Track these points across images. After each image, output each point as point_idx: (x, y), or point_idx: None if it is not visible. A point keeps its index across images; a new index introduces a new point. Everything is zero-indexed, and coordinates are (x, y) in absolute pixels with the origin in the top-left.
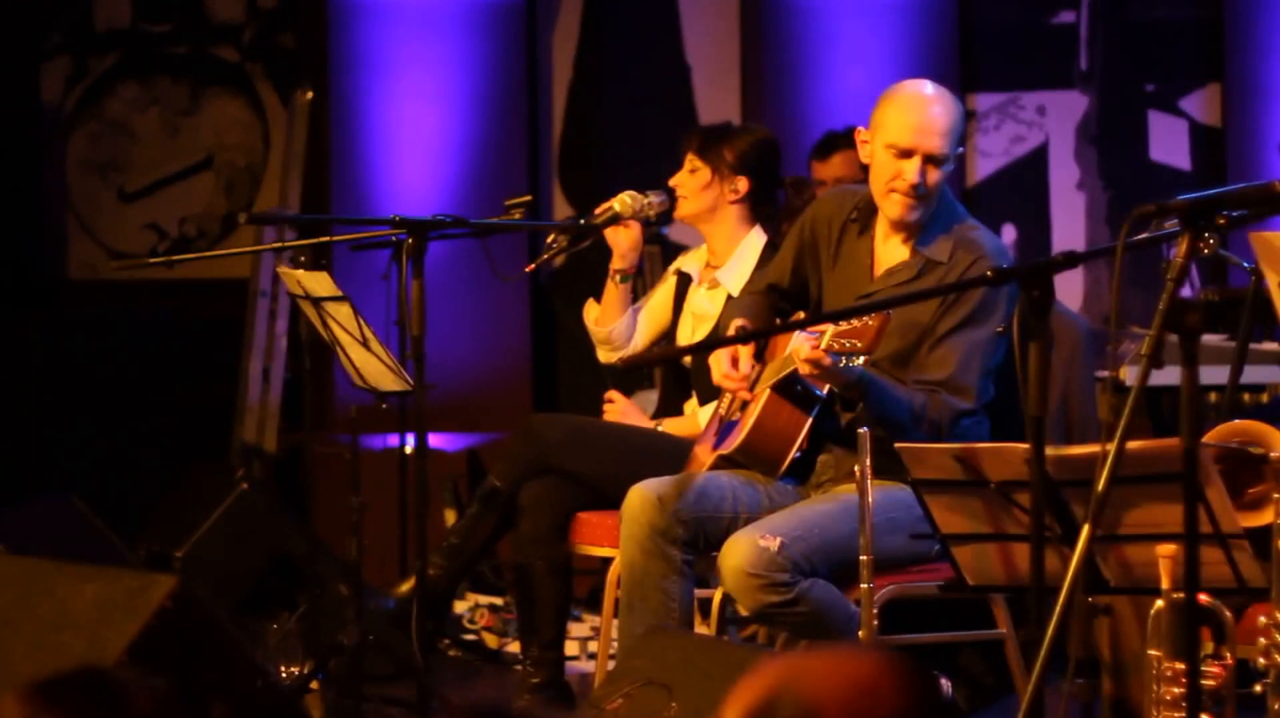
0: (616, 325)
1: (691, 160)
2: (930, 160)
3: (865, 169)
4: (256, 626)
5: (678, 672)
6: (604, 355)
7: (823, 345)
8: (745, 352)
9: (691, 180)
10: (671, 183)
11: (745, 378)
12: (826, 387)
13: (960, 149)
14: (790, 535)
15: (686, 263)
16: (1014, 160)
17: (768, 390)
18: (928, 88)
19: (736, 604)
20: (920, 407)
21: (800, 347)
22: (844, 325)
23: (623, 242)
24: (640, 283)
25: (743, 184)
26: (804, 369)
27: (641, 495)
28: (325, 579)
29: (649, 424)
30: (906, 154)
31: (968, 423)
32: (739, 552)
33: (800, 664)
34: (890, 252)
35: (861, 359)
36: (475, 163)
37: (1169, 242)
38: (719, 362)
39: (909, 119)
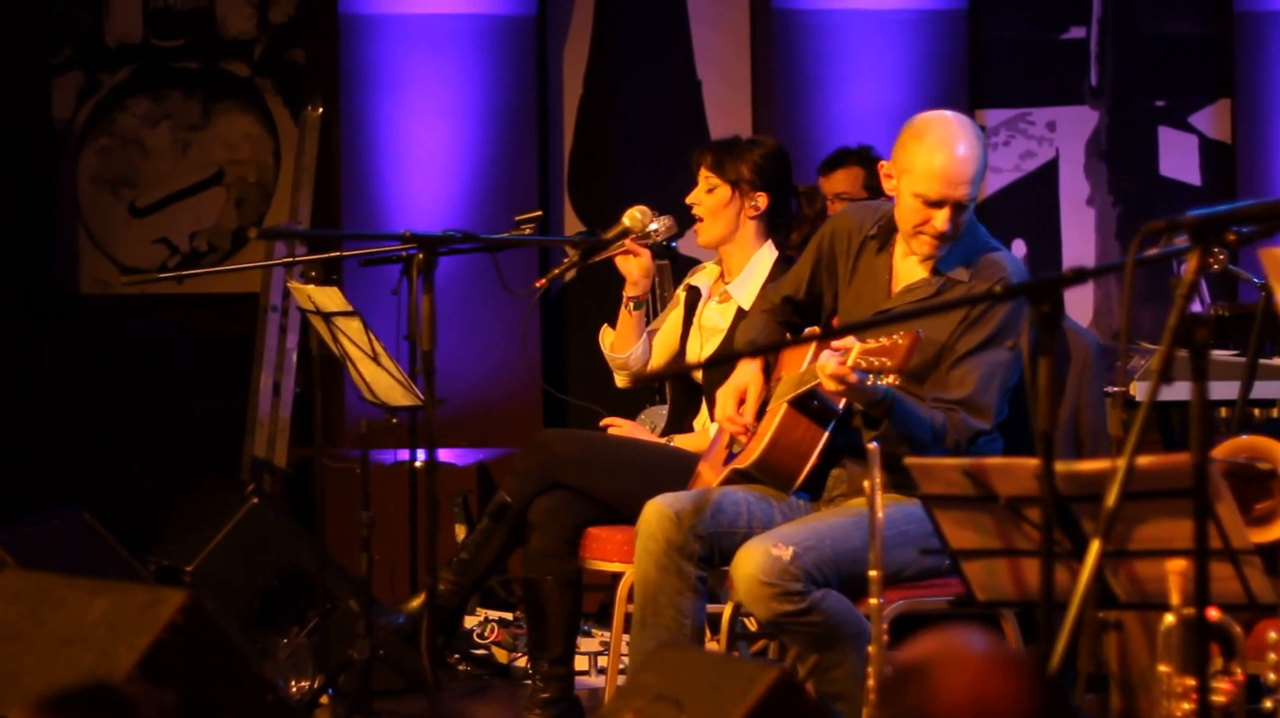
0: (632, 351)
1: (708, 178)
2: (958, 207)
3: (870, 189)
4: (266, 640)
5: (688, 687)
6: (621, 381)
7: (850, 362)
8: (752, 395)
9: (711, 199)
10: (689, 200)
11: (747, 424)
12: (844, 402)
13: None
14: (802, 545)
15: (695, 279)
16: (1024, 175)
17: (784, 405)
18: (953, 127)
19: (746, 615)
20: (941, 426)
21: (826, 363)
22: (871, 343)
23: (634, 269)
24: (651, 298)
25: (762, 200)
26: (829, 385)
27: (658, 511)
28: (335, 594)
29: (657, 441)
30: (936, 204)
31: (983, 442)
32: (752, 560)
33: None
34: (909, 269)
35: (889, 378)
36: (486, 178)
37: (1179, 257)
38: (726, 401)
39: (937, 168)
